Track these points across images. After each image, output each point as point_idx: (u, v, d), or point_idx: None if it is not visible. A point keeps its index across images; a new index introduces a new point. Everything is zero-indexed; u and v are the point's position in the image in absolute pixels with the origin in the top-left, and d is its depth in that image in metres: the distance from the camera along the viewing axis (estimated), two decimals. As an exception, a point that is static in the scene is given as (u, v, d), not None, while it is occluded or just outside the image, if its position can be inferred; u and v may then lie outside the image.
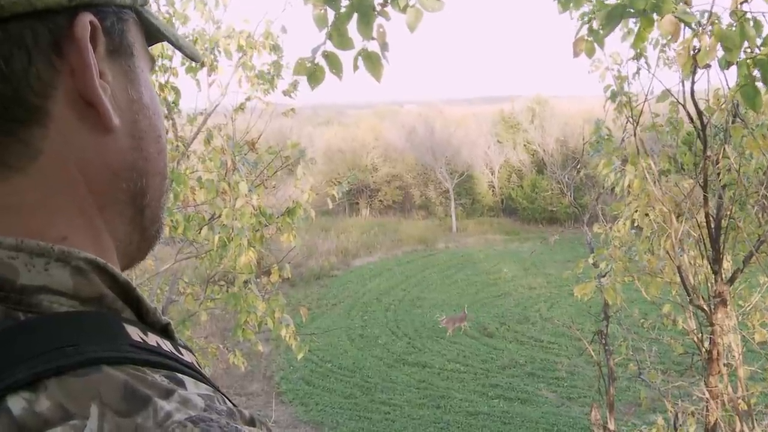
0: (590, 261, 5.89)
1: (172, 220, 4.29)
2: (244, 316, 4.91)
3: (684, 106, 4.18)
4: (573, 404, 15.83)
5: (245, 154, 5.12)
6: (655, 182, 4.54)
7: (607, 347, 6.71)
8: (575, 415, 15.00)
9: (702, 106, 4.20)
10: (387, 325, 23.53)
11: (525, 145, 44.81)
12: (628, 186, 4.83)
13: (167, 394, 0.46)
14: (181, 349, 0.55)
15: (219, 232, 4.60)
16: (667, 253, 4.59)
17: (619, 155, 5.08)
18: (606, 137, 5.21)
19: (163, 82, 4.87)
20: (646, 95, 4.23)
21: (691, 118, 4.28)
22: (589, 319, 20.23)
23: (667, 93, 3.83)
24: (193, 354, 0.58)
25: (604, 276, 5.58)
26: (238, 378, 17.56)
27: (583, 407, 15.16)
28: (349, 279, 30.08)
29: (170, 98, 4.92)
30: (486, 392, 17.14)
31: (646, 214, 4.84)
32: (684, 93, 4.06)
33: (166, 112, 4.96)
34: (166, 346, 0.53)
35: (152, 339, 0.52)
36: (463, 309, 22.19)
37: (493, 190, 45.35)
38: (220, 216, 4.62)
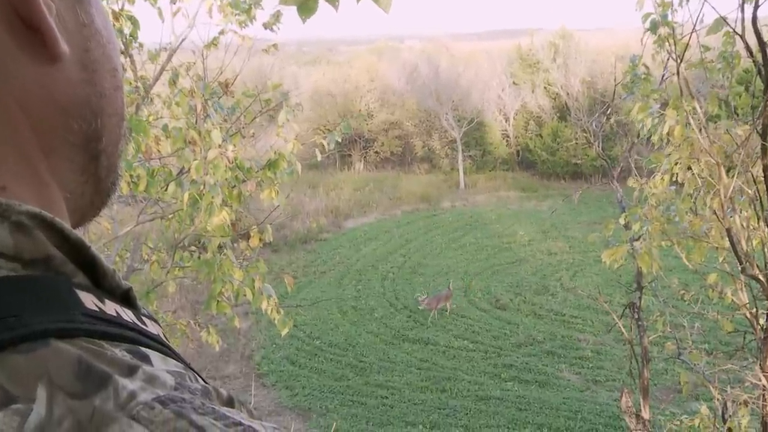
0: (621, 222, 5.89)
1: (132, 175, 4.26)
2: (219, 287, 4.91)
3: (742, 37, 4.07)
4: (599, 388, 16.03)
5: (218, 98, 5.06)
6: (701, 129, 4.50)
7: (640, 323, 6.76)
8: (602, 401, 15.19)
9: (766, 36, 4.07)
10: (384, 296, 23.67)
11: (545, 87, 44.55)
12: (668, 134, 4.79)
13: (130, 371, 0.45)
14: (144, 319, 0.55)
15: (188, 189, 4.58)
16: (714, 213, 4.58)
17: (659, 98, 5.03)
18: (643, 76, 5.16)
19: (116, 9, 4.76)
20: (695, 25, 4.15)
21: (750, 52, 4.16)
22: (619, 290, 20.37)
23: (721, 21, 3.75)
24: (159, 325, 0.57)
25: (637, 239, 5.58)
26: (212, 358, 17.72)
27: (611, 392, 15.36)
28: (341, 243, 30.16)
29: (126, 30, 4.81)
30: (498, 374, 17.32)
31: (689, 168, 4.82)
32: (743, 21, 3.95)
33: (122, 46, 4.87)
34: (127, 315, 0.53)
35: (110, 307, 0.51)
36: (447, 286, 22.14)
37: (507, 140, 45.23)
38: (189, 170, 4.58)
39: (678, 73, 4.48)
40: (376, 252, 28.72)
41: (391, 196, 37.19)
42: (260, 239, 5.29)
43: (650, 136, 5.11)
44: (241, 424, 0.45)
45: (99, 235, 5.33)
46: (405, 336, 20.13)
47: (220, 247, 5.01)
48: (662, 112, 4.84)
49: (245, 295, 5.03)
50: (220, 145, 4.63)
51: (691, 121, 4.49)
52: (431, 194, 37.60)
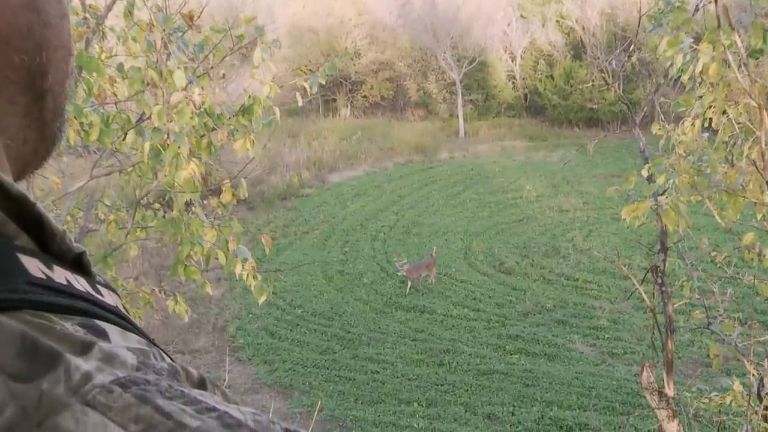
0: (644, 174, 5.86)
1: (83, 123, 4.18)
2: (187, 249, 4.90)
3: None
4: (617, 362, 16.17)
5: (182, 34, 4.95)
6: (740, 67, 4.43)
7: (664, 288, 6.76)
8: (620, 375, 15.33)
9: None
10: (374, 259, 23.74)
11: (558, 21, 44.25)
12: (701, 72, 4.73)
13: (84, 349, 0.45)
14: (100, 288, 0.55)
15: (150, 139, 4.51)
16: (753, 163, 4.54)
17: (691, 30, 4.94)
18: (677, 4, 5.04)
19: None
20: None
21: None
22: (639, 252, 20.50)
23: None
24: (117, 295, 0.58)
25: (662, 194, 5.55)
26: (179, 331, 17.78)
27: (630, 366, 15.50)
28: (325, 199, 30.18)
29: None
30: (502, 345, 17.45)
31: (725, 111, 4.76)
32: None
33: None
34: (80, 283, 0.53)
35: (60, 274, 0.51)
36: (430, 252, 22.00)
37: (513, 82, 45.07)
38: (150, 117, 4.52)
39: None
40: (365, 209, 28.74)
41: (382, 147, 37.13)
42: (234, 195, 5.29)
43: (679, 76, 5.04)
44: (215, 409, 0.45)
45: (46, 191, 5.29)
46: (398, 304, 20.22)
47: (187, 204, 4.99)
48: (695, 47, 4.76)
49: (217, 259, 5.03)
50: (185, 88, 4.54)
51: (729, 57, 4.42)
52: (427, 144, 37.55)
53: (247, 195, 5.41)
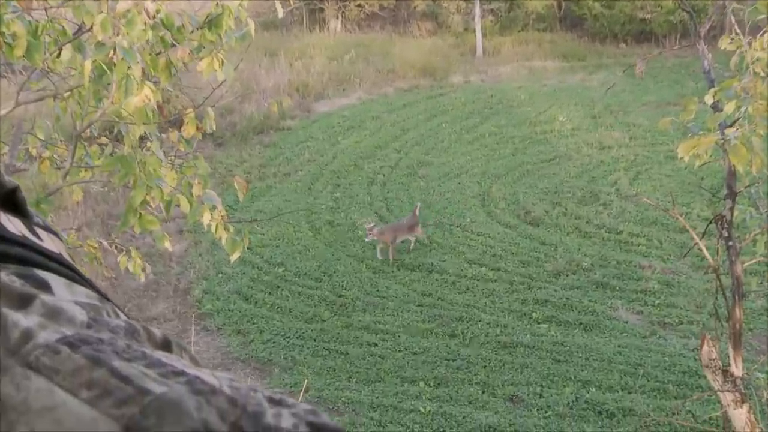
0: (708, 101, 5.82)
1: (4, 34, 4.13)
2: (141, 195, 4.92)
3: None
4: (669, 333, 16.23)
5: None
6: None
7: (731, 243, 6.75)
8: (673, 350, 15.39)
9: None
10: (372, 207, 23.76)
11: None
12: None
13: (22, 303, 0.47)
14: (39, 231, 0.58)
15: (92, 56, 4.48)
16: None
17: None
18: None
19: None
20: None
21: None
22: (700, 198, 20.47)
23: None
24: (60, 239, 0.61)
25: (731, 125, 5.52)
26: (133, 293, 17.88)
27: (686, 339, 15.56)
28: (311, 133, 30.09)
29: None
30: (528, 312, 17.52)
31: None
32: None
33: None
34: (14, 225, 0.55)
35: None
36: (414, 208, 21.04)
37: (545, -12, 44.74)
38: (91, 28, 4.46)
39: None
40: (360, 146, 28.67)
41: (381, 68, 36.93)
42: (198, 128, 5.29)
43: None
44: (183, 373, 0.45)
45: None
46: (400, 261, 20.24)
47: (142, 138, 4.98)
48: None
49: (179, 206, 5.07)
50: (135, -8, 4.49)
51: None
52: (436, 65, 37.34)
53: (214, 128, 5.46)
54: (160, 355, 0.47)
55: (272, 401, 0.45)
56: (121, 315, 0.54)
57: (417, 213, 20.67)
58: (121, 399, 0.41)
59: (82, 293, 0.51)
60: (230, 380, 0.48)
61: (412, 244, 20.58)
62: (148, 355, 0.46)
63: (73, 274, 0.54)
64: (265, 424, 0.43)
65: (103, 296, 0.54)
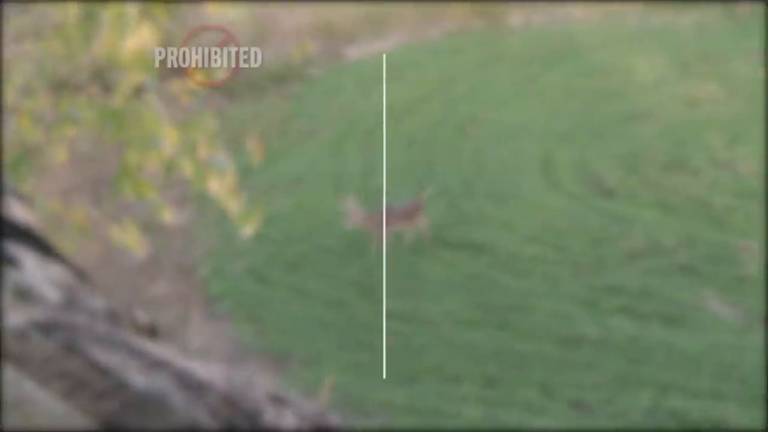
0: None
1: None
2: (136, 155, 4.91)
3: None
4: (771, 328, 16.16)
5: None
6: None
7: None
8: (775, 349, 15.33)
9: None
10: (411, 171, 23.67)
11: None
12: None
13: None
14: (9, 199, 0.53)
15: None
16: None
17: None
18: None
19: None
20: None
21: None
22: (809, 166, 20.27)
23: None
24: (34, 209, 0.55)
25: None
26: (128, 272, 17.95)
27: (792, 336, 15.48)
28: (340, 84, 30.02)
29: None
30: (596, 301, 17.46)
31: None
32: None
33: None
34: None
35: None
36: (421, 193, 19.86)
37: None
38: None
39: None
40: (398, 99, 28.52)
41: (422, 8, 36.76)
42: (206, 77, 5.27)
43: None
44: (170, 364, 0.45)
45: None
46: (443, 237, 20.14)
47: (138, 89, 4.99)
48: None
49: (182, 170, 5.06)
50: None
51: None
52: (491, 3, 37.15)
53: (226, 77, 5.43)
54: (145, 342, 0.49)
55: (275, 399, 0.49)
56: (101, 296, 0.53)
57: (424, 197, 19.56)
58: (99, 392, 0.45)
59: (57, 270, 0.52)
60: (226, 374, 0.51)
61: (406, 238, 19.50)
62: (130, 342, 0.48)
63: (47, 249, 0.54)
64: (262, 424, 0.47)
65: (80, 274, 0.55)
